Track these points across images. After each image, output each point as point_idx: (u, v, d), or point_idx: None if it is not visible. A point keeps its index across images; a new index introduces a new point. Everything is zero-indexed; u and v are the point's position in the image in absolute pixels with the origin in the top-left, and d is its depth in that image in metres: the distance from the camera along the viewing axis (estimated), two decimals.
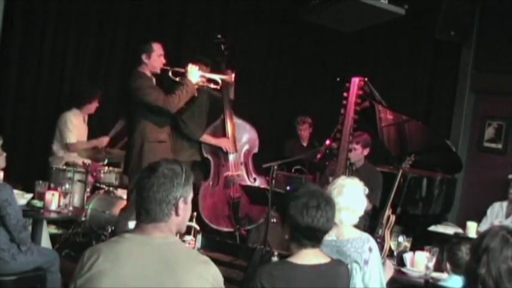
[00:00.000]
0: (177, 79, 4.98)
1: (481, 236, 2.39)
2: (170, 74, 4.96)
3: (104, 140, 6.19)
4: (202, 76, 5.09)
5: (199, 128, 5.95)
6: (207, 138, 5.98)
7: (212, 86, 5.20)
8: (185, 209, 2.36)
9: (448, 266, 3.68)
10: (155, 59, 4.86)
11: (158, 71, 4.92)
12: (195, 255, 2.39)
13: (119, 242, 2.32)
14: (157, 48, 4.88)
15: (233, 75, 5.52)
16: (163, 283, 2.20)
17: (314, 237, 2.63)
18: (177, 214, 2.32)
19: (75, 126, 6.14)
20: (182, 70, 4.97)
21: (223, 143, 5.97)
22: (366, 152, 5.64)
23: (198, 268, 2.28)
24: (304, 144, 7.30)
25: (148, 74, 4.90)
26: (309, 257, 2.62)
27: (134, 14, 7.00)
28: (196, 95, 5.14)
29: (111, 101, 6.65)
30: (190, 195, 2.39)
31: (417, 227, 5.76)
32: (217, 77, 5.25)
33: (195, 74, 4.96)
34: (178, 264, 2.25)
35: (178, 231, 2.40)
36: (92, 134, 6.38)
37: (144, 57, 4.84)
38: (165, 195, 2.27)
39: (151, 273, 2.21)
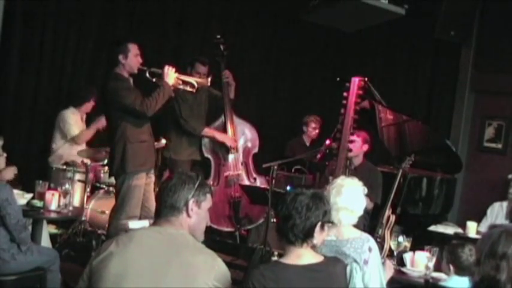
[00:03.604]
0: (154, 80, 4.95)
1: (493, 242, 2.40)
2: (147, 74, 4.92)
3: (103, 120, 6.15)
4: (178, 78, 5.04)
5: (200, 123, 5.93)
6: (209, 131, 5.95)
7: (188, 88, 5.15)
8: (198, 213, 2.56)
9: (451, 267, 3.68)
10: (132, 59, 4.82)
11: (135, 71, 4.87)
12: (203, 247, 2.53)
13: (135, 231, 2.66)
14: (133, 48, 4.83)
15: (209, 79, 5.46)
16: (169, 262, 2.38)
17: (291, 230, 2.59)
18: (188, 215, 2.55)
19: (74, 121, 6.16)
20: (159, 71, 4.93)
21: (227, 139, 5.96)
22: (365, 148, 5.62)
23: (203, 256, 2.45)
24: (307, 143, 7.28)
25: (126, 75, 4.86)
26: (301, 257, 2.61)
27: (134, 14, 7.00)
28: (172, 95, 5.09)
29: None
30: (206, 203, 2.60)
31: (417, 227, 5.76)
32: (192, 79, 5.20)
33: (171, 75, 4.93)
34: (185, 249, 2.44)
35: (193, 236, 2.56)
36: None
37: (121, 57, 4.79)
38: (176, 194, 2.53)
39: (159, 253, 2.41)
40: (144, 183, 4.89)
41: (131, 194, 4.79)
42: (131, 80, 4.93)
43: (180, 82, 5.08)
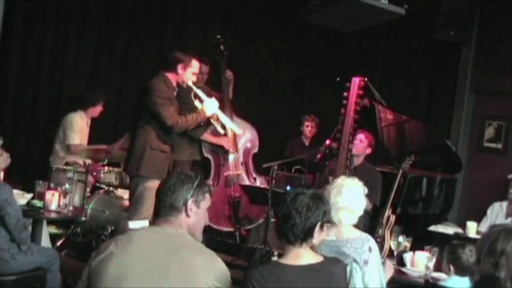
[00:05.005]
0: (195, 102, 4.99)
1: (492, 240, 2.40)
2: (192, 95, 4.97)
3: (104, 146, 6.19)
4: (216, 115, 5.11)
5: (201, 127, 5.95)
6: (207, 136, 5.98)
7: (219, 128, 5.26)
8: (197, 213, 2.56)
9: (451, 267, 3.68)
10: (189, 74, 4.84)
11: (184, 85, 4.91)
12: (203, 247, 2.54)
13: (135, 231, 2.67)
14: (195, 66, 4.88)
15: (242, 131, 5.65)
16: (169, 263, 2.38)
17: (291, 230, 2.59)
18: (187, 214, 2.53)
19: (79, 128, 6.17)
20: (205, 98, 4.98)
21: (223, 141, 5.98)
22: (369, 151, 5.64)
23: (203, 256, 2.45)
24: (307, 143, 7.28)
25: (174, 83, 4.86)
26: (300, 257, 2.60)
27: (134, 14, 7.00)
28: (202, 124, 5.21)
29: (110, 102, 6.66)
30: (205, 202, 2.59)
31: (417, 227, 5.76)
32: (229, 125, 5.35)
33: (212, 108, 4.99)
34: (185, 249, 2.44)
35: (192, 236, 2.56)
36: (92, 136, 6.38)
37: (180, 66, 4.79)
38: (175, 194, 2.52)
39: (158, 254, 2.41)
40: None
41: (145, 195, 4.75)
42: (176, 91, 4.93)
43: (216, 118, 5.15)
